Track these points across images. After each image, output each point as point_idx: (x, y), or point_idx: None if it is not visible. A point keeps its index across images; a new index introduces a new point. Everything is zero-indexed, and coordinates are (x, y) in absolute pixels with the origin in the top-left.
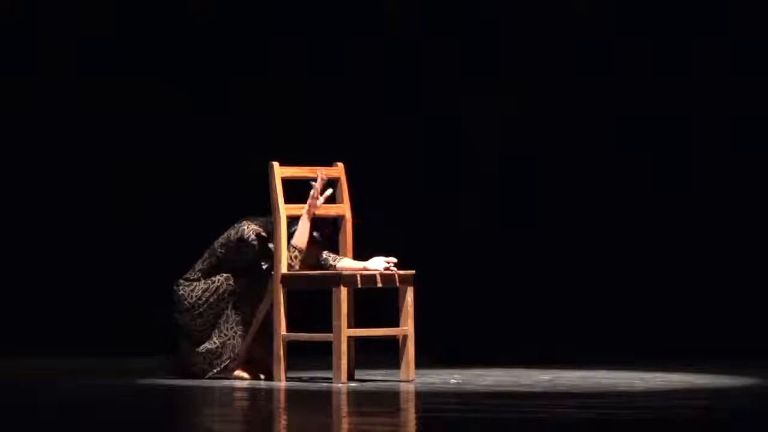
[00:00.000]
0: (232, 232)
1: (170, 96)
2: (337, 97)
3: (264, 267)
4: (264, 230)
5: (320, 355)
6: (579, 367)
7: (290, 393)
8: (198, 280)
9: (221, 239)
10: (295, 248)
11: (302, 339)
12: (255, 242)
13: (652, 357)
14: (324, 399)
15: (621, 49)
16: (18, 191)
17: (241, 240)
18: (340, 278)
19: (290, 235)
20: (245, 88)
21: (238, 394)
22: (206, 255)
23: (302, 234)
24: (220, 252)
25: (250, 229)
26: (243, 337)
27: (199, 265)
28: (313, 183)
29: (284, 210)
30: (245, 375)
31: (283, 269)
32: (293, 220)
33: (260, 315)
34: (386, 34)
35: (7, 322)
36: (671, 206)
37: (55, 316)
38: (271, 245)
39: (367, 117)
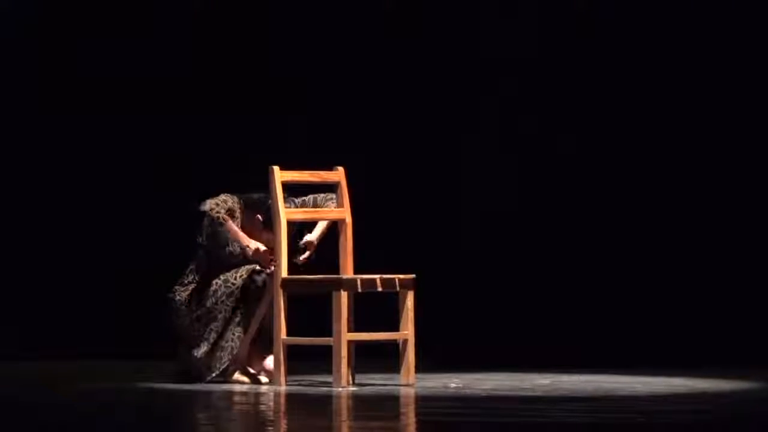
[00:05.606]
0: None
1: (170, 96)
2: (337, 98)
3: (228, 250)
4: (239, 205)
5: (320, 359)
6: (579, 371)
7: (290, 397)
8: (193, 283)
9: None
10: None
11: (302, 343)
12: (218, 215)
13: (653, 361)
14: (324, 403)
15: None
16: (18, 193)
17: (204, 215)
18: (341, 282)
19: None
20: (245, 88)
21: (237, 398)
22: (195, 254)
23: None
24: (203, 242)
25: (209, 203)
26: (241, 340)
27: (190, 266)
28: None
29: (284, 214)
30: (244, 378)
31: (284, 273)
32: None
33: (258, 318)
34: (386, 34)
35: (7, 325)
36: (673, 212)
37: (54, 318)
38: (229, 225)
39: (367, 117)
